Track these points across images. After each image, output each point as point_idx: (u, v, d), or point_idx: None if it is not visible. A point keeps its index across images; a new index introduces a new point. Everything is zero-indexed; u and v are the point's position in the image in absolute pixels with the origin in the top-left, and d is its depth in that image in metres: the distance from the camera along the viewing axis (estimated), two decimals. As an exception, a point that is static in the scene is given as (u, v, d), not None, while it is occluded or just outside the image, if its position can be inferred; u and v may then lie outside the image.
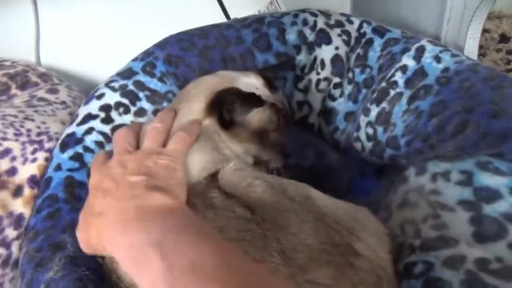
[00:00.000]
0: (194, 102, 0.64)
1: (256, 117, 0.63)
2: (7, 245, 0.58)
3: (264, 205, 0.50)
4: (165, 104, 0.75)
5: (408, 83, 0.69)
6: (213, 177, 0.54)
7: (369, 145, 0.73)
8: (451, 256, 0.46)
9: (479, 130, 0.56)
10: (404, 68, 0.70)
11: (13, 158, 0.65)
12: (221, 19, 1.06)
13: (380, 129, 0.70)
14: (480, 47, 1.29)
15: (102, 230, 0.45)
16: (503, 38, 1.30)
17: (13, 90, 0.93)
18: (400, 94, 0.69)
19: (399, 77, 0.70)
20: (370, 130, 0.72)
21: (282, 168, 0.66)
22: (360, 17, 0.84)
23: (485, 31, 1.33)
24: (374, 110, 0.72)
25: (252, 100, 0.62)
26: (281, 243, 0.47)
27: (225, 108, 0.62)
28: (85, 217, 0.50)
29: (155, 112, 0.74)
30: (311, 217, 0.50)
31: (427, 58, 0.69)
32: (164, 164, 0.51)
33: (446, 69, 0.66)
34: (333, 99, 0.80)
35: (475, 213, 0.47)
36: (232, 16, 1.11)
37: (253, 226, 0.48)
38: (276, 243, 0.47)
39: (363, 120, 0.74)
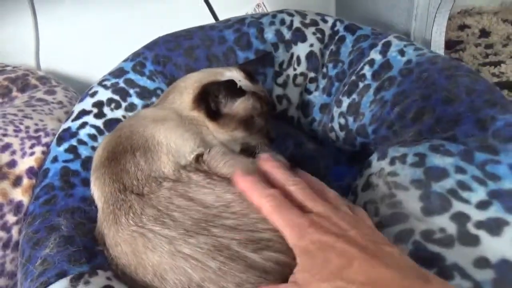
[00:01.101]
0: (185, 94, 0.71)
1: (241, 105, 0.70)
2: (7, 229, 0.64)
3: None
4: (153, 99, 0.81)
5: (375, 75, 0.74)
6: (197, 159, 0.59)
7: (342, 134, 0.78)
8: (401, 231, 0.51)
9: (434, 116, 0.61)
10: (371, 62, 0.75)
11: (13, 152, 0.71)
12: (211, 22, 1.12)
13: (350, 119, 0.76)
14: (461, 42, 1.34)
15: None
16: (483, 33, 1.34)
17: (14, 93, 0.99)
18: (368, 86, 0.74)
19: (367, 70, 0.75)
20: (342, 120, 0.78)
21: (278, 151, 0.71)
22: (343, 16, 0.89)
23: (466, 26, 1.38)
24: (346, 102, 0.77)
25: (235, 90, 0.68)
26: None
27: (211, 98, 0.68)
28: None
29: (144, 107, 0.80)
30: None
31: (392, 52, 0.74)
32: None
33: (408, 61, 0.71)
34: (309, 92, 0.86)
35: (425, 190, 0.52)
36: (221, 19, 1.17)
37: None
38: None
39: (336, 111, 0.79)
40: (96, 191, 0.60)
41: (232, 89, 0.68)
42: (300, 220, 0.44)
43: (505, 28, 1.34)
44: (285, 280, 0.45)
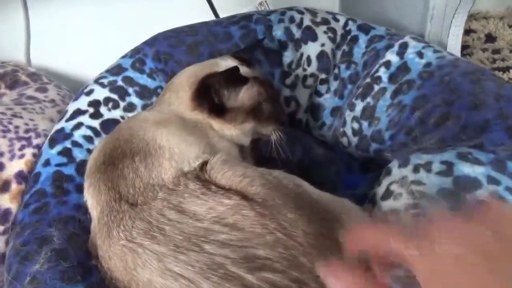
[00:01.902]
0: (181, 92, 0.66)
1: (246, 94, 0.65)
2: (-7, 239, 0.59)
3: (259, 193, 0.50)
4: (154, 98, 0.76)
5: (391, 78, 0.70)
6: (201, 167, 0.54)
7: (355, 139, 0.74)
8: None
9: (459, 122, 0.57)
10: (388, 64, 0.71)
11: (1, 154, 0.65)
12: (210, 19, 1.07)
13: (365, 124, 0.72)
14: (467, 46, 1.31)
15: None
16: (489, 38, 1.32)
17: (2, 90, 0.93)
18: (384, 89, 0.70)
19: (383, 73, 0.71)
20: (355, 125, 0.73)
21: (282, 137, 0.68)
22: (347, 15, 0.85)
23: (471, 31, 1.35)
24: (359, 105, 0.73)
25: (237, 79, 0.64)
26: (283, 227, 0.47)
27: (213, 92, 0.63)
28: None
29: (144, 107, 0.75)
30: (307, 203, 0.50)
31: (410, 54, 0.70)
32: None
33: (428, 64, 0.67)
34: (320, 95, 0.82)
35: (455, 201, 0.48)
36: (221, 16, 1.12)
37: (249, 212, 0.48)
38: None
39: (348, 115, 0.75)
40: (90, 199, 0.56)
41: (234, 79, 0.64)
42: None
43: (511, 33, 1.32)
44: None
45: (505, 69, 1.15)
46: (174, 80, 0.70)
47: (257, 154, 0.75)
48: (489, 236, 0.29)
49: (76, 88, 0.98)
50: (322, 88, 0.81)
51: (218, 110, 0.64)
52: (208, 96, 0.63)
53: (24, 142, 0.69)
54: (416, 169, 0.55)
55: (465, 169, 0.51)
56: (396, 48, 0.72)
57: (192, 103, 0.64)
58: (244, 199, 0.49)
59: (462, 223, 0.31)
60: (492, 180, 0.48)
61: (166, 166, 0.54)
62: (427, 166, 0.54)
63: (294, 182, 0.54)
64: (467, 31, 1.35)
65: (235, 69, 0.63)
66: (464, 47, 1.30)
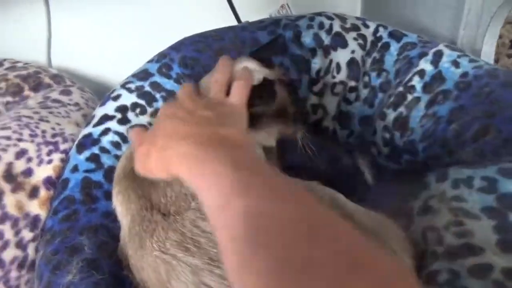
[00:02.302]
0: None
1: (274, 104, 0.64)
2: (23, 247, 0.58)
3: None
4: (181, 105, 0.75)
5: (426, 87, 0.68)
6: None
7: (385, 150, 0.73)
8: (478, 265, 0.45)
9: (500, 136, 0.56)
10: (422, 73, 0.70)
11: (29, 159, 0.65)
12: (233, 23, 1.06)
13: (397, 134, 0.70)
14: (492, 52, 1.29)
15: (173, 155, 0.44)
16: (515, 43, 1.29)
17: (26, 92, 0.93)
18: (417, 99, 0.68)
19: (416, 82, 0.69)
20: (386, 135, 0.72)
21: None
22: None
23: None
24: (391, 115, 0.71)
25: (271, 94, 0.63)
26: None
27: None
28: (152, 140, 0.47)
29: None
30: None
31: (445, 63, 0.69)
32: (228, 112, 0.51)
33: (465, 74, 0.65)
34: (349, 102, 0.80)
35: (500, 220, 0.47)
36: (243, 20, 1.12)
37: None
38: None
39: (379, 124, 0.73)
40: (119, 206, 0.55)
41: (268, 95, 0.62)
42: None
43: (537, 39, 1.29)
44: None
45: (532, 76, 1.12)
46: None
47: (282, 163, 0.73)
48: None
49: (97, 90, 0.98)
50: (351, 96, 0.80)
51: (252, 120, 0.63)
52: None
53: (51, 147, 0.68)
54: (455, 185, 0.53)
55: (510, 186, 0.49)
56: (430, 56, 0.70)
57: None
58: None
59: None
60: (537, 197, 0.47)
61: None
62: (468, 182, 0.52)
63: (330, 195, 0.53)
64: (492, 37, 1.32)
65: (267, 84, 0.62)
66: (491, 53, 1.27)
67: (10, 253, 0.56)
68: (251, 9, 1.20)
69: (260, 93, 0.61)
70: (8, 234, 0.57)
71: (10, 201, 0.58)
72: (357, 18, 0.82)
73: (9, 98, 0.93)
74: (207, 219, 0.47)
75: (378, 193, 0.74)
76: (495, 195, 0.49)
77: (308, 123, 0.77)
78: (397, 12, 1.04)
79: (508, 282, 0.42)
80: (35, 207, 0.60)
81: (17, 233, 0.58)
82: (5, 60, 1.04)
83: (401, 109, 0.70)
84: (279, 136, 0.68)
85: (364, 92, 0.78)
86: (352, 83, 0.78)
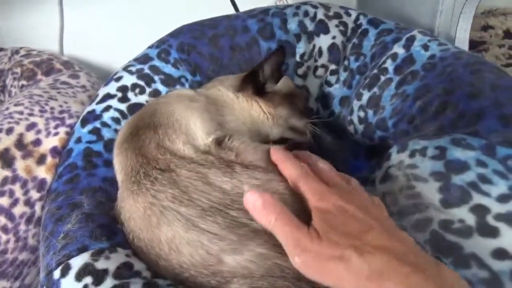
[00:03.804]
0: (226, 81, 0.76)
1: (283, 84, 0.74)
2: (31, 204, 0.66)
3: None
4: (178, 87, 0.82)
5: (397, 69, 0.73)
6: (219, 143, 0.58)
7: (360, 127, 0.78)
8: (420, 220, 0.51)
9: (457, 110, 0.61)
10: (394, 56, 0.75)
11: (38, 131, 0.73)
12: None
13: (370, 112, 0.76)
14: (484, 42, 1.33)
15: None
16: (507, 34, 1.32)
17: (39, 76, 1.02)
18: (389, 80, 0.74)
19: (389, 64, 0.75)
20: (361, 114, 0.78)
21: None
22: (365, 11, 0.89)
23: (489, 27, 1.36)
24: (366, 95, 0.77)
25: (279, 72, 0.73)
26: None
27: (260, 75, 0.72)
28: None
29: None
30: None
31: (416, 47, 0.74)
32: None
33: (432, 56, 0.70)
34: (330, 84, 0.86)
35: (444, 182, 0.52)
36: (241, 10, 1.18)
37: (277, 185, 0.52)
38: None
39: (356, 104, 0.79)
40: (118, 164, 0.61)
41: (278, 69, 0.73)
42: (323, 187, 0.46)
43: (530, 29, 1.32)
44: None
45: (520, 65, 1.16)
46: (220, 77, 0.79)
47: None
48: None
49: (104, 76, 1.05)
50: (332, 79, 0.86)
51: (260, 90, 0.72)
52: (255, 78, 0.72)
53: (58, 122, 0.76)
54: (412, 154, 0.59)
55: (457, 153, 0.54)
56: (403, 41, 0.76)
57: (240, 83, 0.73)
58: (271, 172, 0.53)
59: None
60: (480, 163, 0.52)
61: (184, 140, 0.59)
62: (423, 151, 0.58)
63: None
64: (485, 27, 1.36)
65: (281, 52, 0.72)
66: (481, 43, 1.31)
67: (19, 209, 0.65)
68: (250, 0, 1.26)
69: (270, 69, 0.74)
70: (18, 193, 0.65)
71: (21, 166, 0.67)
72: (341, 7, 0.87)
73: (24, 82, 1.02)
74: (200, 180, 0.53)
75: (355, 167, 0.80)
76: (444, 161, 0.55)
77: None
78: (387, 5, 1.09)
79: (443, 231, 0.48)
80: (42, 172, 0.68)
81: (26, 192, 0.66)
82: (21, 48, 1.14)
83: (375, 89, 0.75)
84: (287, 135, 0.75)
85: (344, 75, 0.84)
86: (333, 67, 0.84)
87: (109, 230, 0.58)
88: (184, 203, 0.50)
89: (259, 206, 0.45)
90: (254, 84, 0.72)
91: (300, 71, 0.85)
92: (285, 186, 0.52)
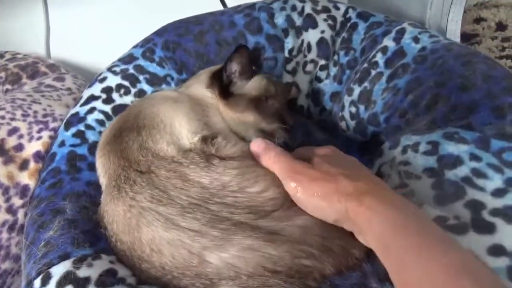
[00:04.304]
0: (202, 75, 0.73)
1: (254, 85, 0.70)
2: (13, 212, 0.64)
3: None
4: (163, 86, 0.80)
5: (387, 63, 0.72)
6: (205, 141, 0.58)
7: (352, 123, 0.77)
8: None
9: (449, 103, 0.59)
10: (384, 49, 0.73)
11: (20, 136, 0.71)
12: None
13: (362, 108, 0.74)
14: (476, 35, 1.31)
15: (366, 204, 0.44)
16: (500, 26, 1.31)
17: (24, 80, 1.00)
18: (380, 74, 0.72)
19: (379, 58, 0.73)
20: (353, 109, 0.76)
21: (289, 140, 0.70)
22: (356, 4, 0.87)
23: (482, 19, 1.34)
24: (357, 90, 0.75)
25: (248, 69, 0.69)
26: None
27: (225, 74, 0.69)
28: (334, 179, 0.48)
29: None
30: None
31: (406, 39, 0.72)
32: None
33: (423, 48, 0.69)
34: (320, 80, 0.84)
35: (438, 178, 0.51)
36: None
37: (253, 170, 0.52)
38: None
39: (347, 99, 0.77)
40: (101, 167, 0.61)
41: (246, 68, 0.69)
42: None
43: (523, 21, 1.31)
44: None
45: (514, 57, 1.14)
46: (200, 71, 0.77)
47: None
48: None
49: (92, 78, 1.03)
50: (322, 74, 0.84)
51: (225, 91, 0.68)
52: (220, 76, 0.69)
53: (41, 126, 0.74)
54: (404, 150, 0.58)
55: (449, 148, 0.53)
56: (393, 34, 0.74)
57: (208, 80, 0.71)
58: (247, 161, 0.53)
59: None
60: (474, 157, 0.50)
61: (169, 139, 0.58)
62: (415, 147, 0.56)
63: None
64: (477, 20, 1.34)
65: (242, 50, 0.67)
66: (473, 35, 1.29)
67: (1, 217, 0.62)
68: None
69: (239, 67, 0.70)
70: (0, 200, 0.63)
71: (2, 172, 0.65)
72: (329, 1, 0.85)
73: (8, 86, 1.00)
74: (179, 178, 0.52)
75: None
76: (436, 157, 0.53)
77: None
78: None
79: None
80: (25, 178, 0.66)
81: (7, 199, 0.64)
82: (6, 52, 1.11)
83: (366, 83, 0.74)
84: (258, 134, 0.70)
85: (334, 70, 0.82)
86: (323, 62, 0.82)
87: (93, 236, 0.56)
88: (163, 202, 0.50)
89: (262, 146, 0.54)
90: (219, 86, 0.69)
91: (289, 67, 0.83)
92: (264, 171, 0.52)
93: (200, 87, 0.71)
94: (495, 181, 0.47)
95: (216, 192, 0.50)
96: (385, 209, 0.43)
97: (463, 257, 0.37)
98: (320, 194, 0.47)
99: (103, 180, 0.59)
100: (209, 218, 0.48)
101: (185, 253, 0.47)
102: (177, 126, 0.60)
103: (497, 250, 0.42)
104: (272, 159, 0.52)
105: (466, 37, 1.29)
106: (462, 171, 0.50)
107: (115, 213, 0.52)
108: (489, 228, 0.43)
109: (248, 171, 0.52)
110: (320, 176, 0.48)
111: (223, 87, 0.69)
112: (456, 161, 0.51)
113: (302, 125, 0.83)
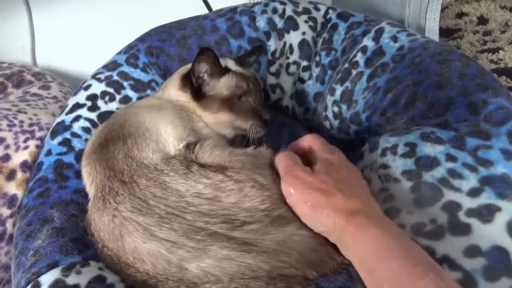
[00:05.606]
0: (175, 77, 0.73)
1: (225, 84, 0.70)
2: (2, 222, 0.65)
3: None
4: (148, 91, 0.81)
5: (367, 62, 0.73)
6: (187, 147, 0.59)
7: (336, 122, 0.78)
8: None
9: (426, 101, 0.60)
10: (364, 49, 0.75)
11: (7, 146, 0.71)
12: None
13: (344, 107, 0.75)
14: (459, 29, 1.33)
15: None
16: (482, 20, 1.33)
17: (10, 89, 0.99)
18: (361, 73, 0.73)
19: (360, 58, 0.74)
20: (336, 109, 0.77)
21: (264, 137, 0.70)
22: (338, 5, 0.88)
23: (463, 14, 1.36)
24: (339, 90, 0.76)
25: (218, 68, 0.69)
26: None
27: (194, 75, 0.69)
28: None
29: (139, 100, 0.80)
30: None
31: (385, 39, 0.73)
32: None
33: (401, 48, 0.70)
34: (303, 81, 0.85)
35: (416, 181, 0.51)
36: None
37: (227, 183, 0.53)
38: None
39: (329, 99, 0.78)
40: (87, 177, 0.61)
41: (215, 68, 0.68)
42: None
43: (503, 14, 1.32)
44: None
45: (495, 50, 1.16)
46: (174, 73, 0.76)
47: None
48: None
49: (78, 85, 1.04)
50: (305, 75, 0.85)
51: (197, 94, 0.69)
52: (190, 79, 0.69)
53: (28, 135, 0.75)
54: (383, 153, 0.58)
55: (426, 149, 0.53)
56: (372, 34, 0.75)
57: (180, 82, 0.71)
58: (223, 174, 0.54)
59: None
60: (450, 158, 0.51)
61: (154, 147, 0.59)
62: (393, 149, 0.57)
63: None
64: (459, 15, 1.36)
65: (207, 51, 0.66)
66: (455, 30, 1.31)
67: (-11, 228, 0.63)
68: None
69: (208, 67, 0.69)
70: (-13, 211, 0.63)
71: (-11, 183, 0.65)
72: (309, 2, 0.87)
73: (-6, 96, 1.00)
74: (159, 187, 0.54)
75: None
76: (414, 159, 0.54)
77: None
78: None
79: (416, 235, 0.47)
80: (12, 188, 0.67)
81: (-5, 210, 0.64)
82: (-9, 61, 1.11)
83: (347, 83, 0.75)
84: (236, 131, 0.73)
85: (316, 71, 0.84)
86: (305, 63, 0.84)
87: (81, 244, 0.57)
88: (143, 212, 0.52)
89: (282, 155, 0.56)
90: (191, 88, 0.70)
91: (273, 69, 0.84)
92: (238, 186, 0.52)
93: (172, 90, 0.71)
94: (471, 180, 0.48)
95: (191, 201, 0.51)
96: (371, 230, 0.44)
97: (438, 282, 0.38)
98: (311, 204, 0.49)
99: (89, 189, 0.60)
100: (186, 229, 0.49)
101: (164, 263, 0.48)
102: (163, 133, 0.61)
103: (472, 251, 0.43)
104: (278, 157, 0.56)
105: (448, 32, 1.31)
106: (439, 172, 0.50)
107: (101, 223, 0.54)
108: (464, 230, 0.45)
109: (220, 186, 0.53)
110: (316, 185, 0.49)
111: (194, 89, 0.69)
112: (433, 162, 0.52)
113: (288, 125, 0.84)
